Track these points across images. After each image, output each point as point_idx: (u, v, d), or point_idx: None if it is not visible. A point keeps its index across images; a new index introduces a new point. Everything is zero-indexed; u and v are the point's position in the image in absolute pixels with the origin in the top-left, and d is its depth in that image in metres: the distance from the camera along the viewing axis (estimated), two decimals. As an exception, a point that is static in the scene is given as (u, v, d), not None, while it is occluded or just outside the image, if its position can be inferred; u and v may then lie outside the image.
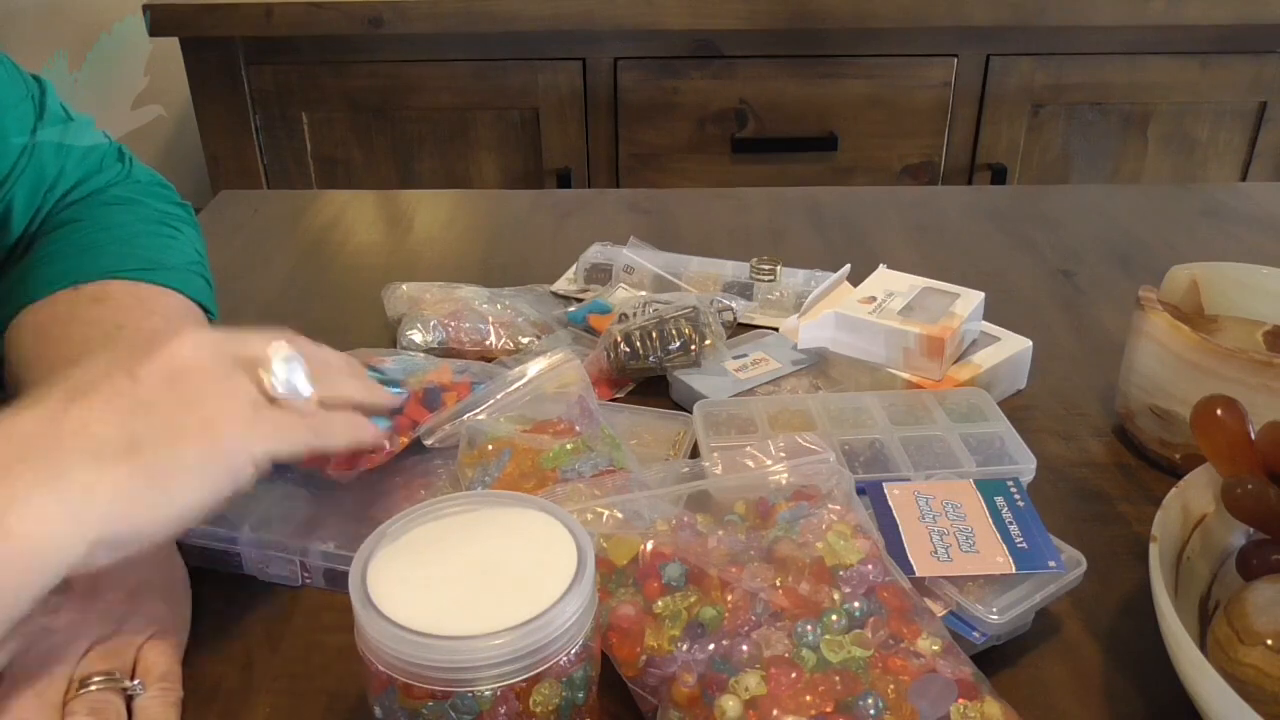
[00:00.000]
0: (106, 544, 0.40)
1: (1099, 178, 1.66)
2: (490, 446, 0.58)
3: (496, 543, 0.41)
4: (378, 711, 0.39)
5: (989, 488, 0.54)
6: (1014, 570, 0.49)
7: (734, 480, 0.53)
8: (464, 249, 0.98)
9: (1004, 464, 0.59)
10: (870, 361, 0.70)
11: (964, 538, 0.50)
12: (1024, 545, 0.50)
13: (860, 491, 0.55)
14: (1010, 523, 0.51)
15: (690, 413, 0.67)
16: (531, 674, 0.37)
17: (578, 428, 0.59)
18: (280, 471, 0.60)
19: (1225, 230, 1.00)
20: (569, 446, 0.56)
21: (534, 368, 0.63)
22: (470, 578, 0.39)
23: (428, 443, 0.60)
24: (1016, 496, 0.53)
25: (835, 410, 0.63)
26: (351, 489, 0.57)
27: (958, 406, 0.64)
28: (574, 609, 0.38)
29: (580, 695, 0.40)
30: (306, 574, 0.55)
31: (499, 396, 0.61)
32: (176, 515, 0.41)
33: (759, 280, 0.83)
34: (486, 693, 0.37)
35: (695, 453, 0.63)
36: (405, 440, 0.59)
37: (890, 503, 0.53)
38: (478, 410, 0.60)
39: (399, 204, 1.09)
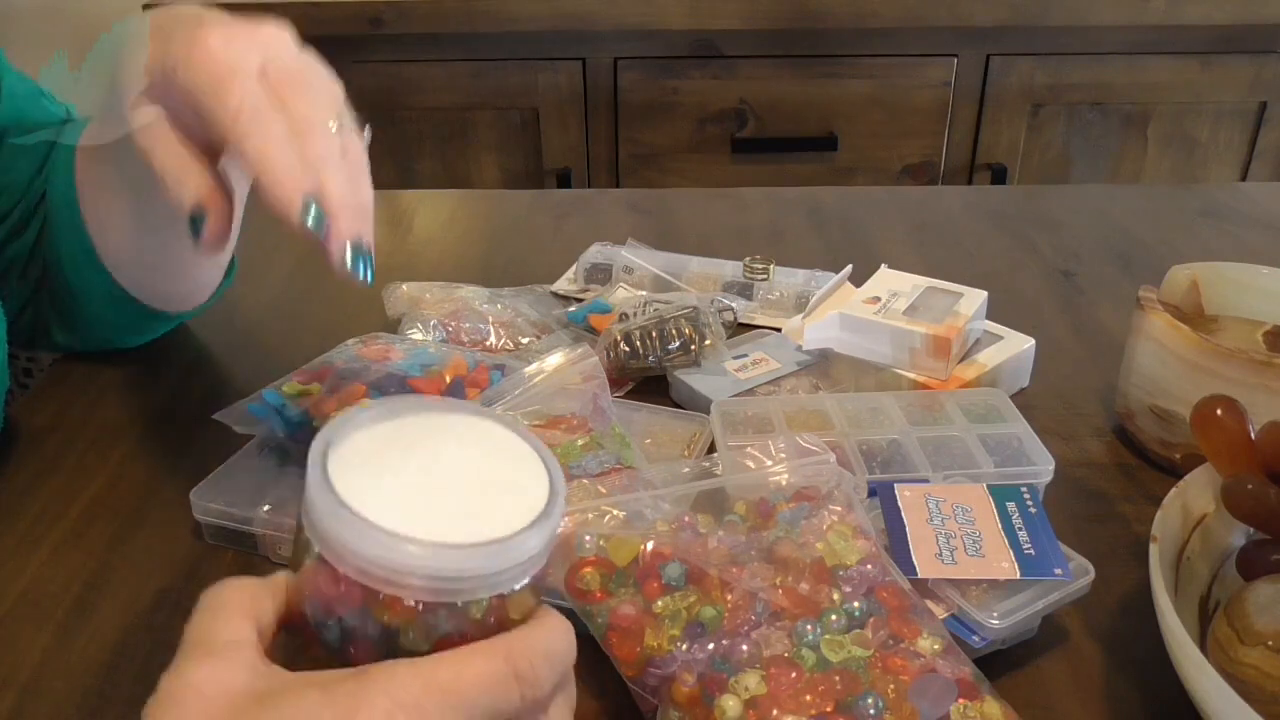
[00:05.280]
0: None
1: (1099, 178, 1.66)
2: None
3: (465, 451, 0.38)
4: (332, 632, 0.36)
5: (1002, 493, 0.53)
6: (1019, 576, 0.49)
7: (735, 480, 0.53)
8: (464, 249, 0.97)
9: (1022, 464, 0.59)
10: (875, 362, 0.70)
11: (970, 542, 0.50)
12: (1031, 552, 0.50)
13: (872, 492, 0.55)
14: (1020, 529, 0.51)
15: (697, 412, 0.67)
16: (526, 579, 0.36)
17: (590, 424, 0.59)
18: (296, 459, 0.60)
19: (1225, 230, 1.00)
20: (580, 443, 0.56)
21: (552, 361, 0.63)
22: (446, 485, 0.37)
23: None
24: (1029, 503, 0.53)
25: (852, 410, 0.63)
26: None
27: (975, 407, 0.63)
28: (559, 511, 0.37)
29: (538, 600, 0.39)
30: None
31: (518, 391, 0.61)
32: None
33: (752, 279, 0.83)
34: (484, 601, 0.35)
35: (710, 453, 0.63)
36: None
37: (900, 504, 0.53)
38: (496, 405, 0.60)
39: (399, 204, 1.09)
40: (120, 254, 0.68)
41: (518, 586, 0.36)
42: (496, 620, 0.36)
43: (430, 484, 0.37)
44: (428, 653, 0.35)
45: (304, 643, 0.37)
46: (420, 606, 0.34)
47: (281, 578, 0.37)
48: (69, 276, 0.70)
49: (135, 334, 0.76)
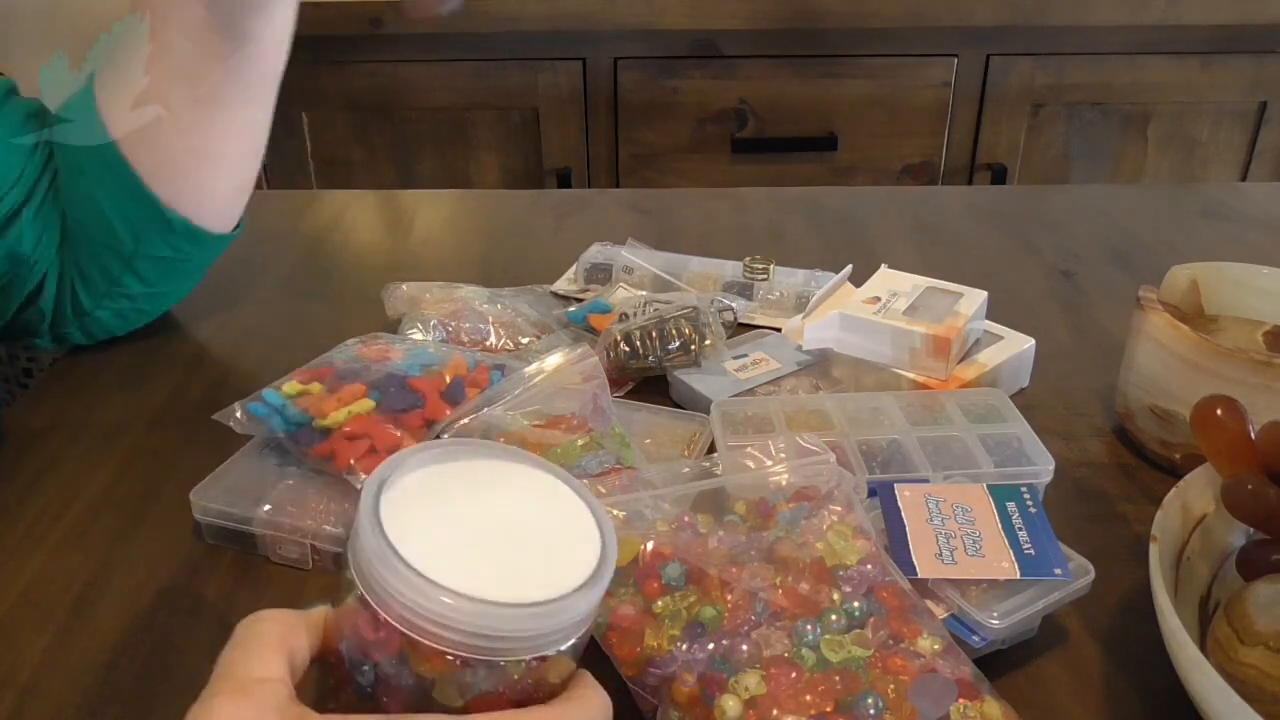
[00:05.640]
0: None
1: (1099, 178, 1.66)
2: (502, 440, 0.58)
3: (517, 504, 0.38)
4: (366, 676, 0.36)
5: (1002, 493, 0.53)
6: (1019, 576, 0.49)
7: (735, 480, 0.53)
8: (464, 249, 0.98)
9: (1021, 465, 0.59)
10: (875, 362, 0.70)
11: (970, 541, 0.50)
12: (1031, 552, 0.50)
13: (872, 492, 0.55)
14: (1020, 529, 0.51)
15: (697, 412, 0.67)
16: (569, 642, 0.36)
17: (590, 424, 0.59)
18: (296, 459, 0.60)
19: (1225, 230, 1.00)
20: (580, 443, 0.56)
21: (552, 361, 0.63)
22: (497, 540, 0.36)
23: (445, 437, 0.60)
24: (1029, 503, 0.53)
25: (852, 410, 0.63)
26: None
27: (975, 407, 0.63)
28: (609, 576, 0.36)
29: (577, 661, 0.39)
30: (317, 556, 0.56)
31: (518, 391, 0.61)
32: None
33: (752, 279, 0.83)
34: (524, 662, 0.35)
35: (710, 453, 0.63)
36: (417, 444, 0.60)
37: (900, 504, 0.53)
38: (496, 405, 0.60)
39: (399, 204, 1.09)
40: (155, 145, 0.71)
41: (560, 649, 0.35)
42: (534, 681, 0.36)
43: (482, 535, 0.36)
44: (460, 709, 0.34)
45: (337, 682, 0.36)
46: (459, 661, 0.34)
47: (321, 611, 0.37)
48: (101, 201, 0.71)
49: (173, 275, 0.77)
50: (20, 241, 0.71)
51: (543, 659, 0.35)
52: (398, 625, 0.33)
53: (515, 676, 0.35)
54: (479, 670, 0.34)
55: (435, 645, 0.33)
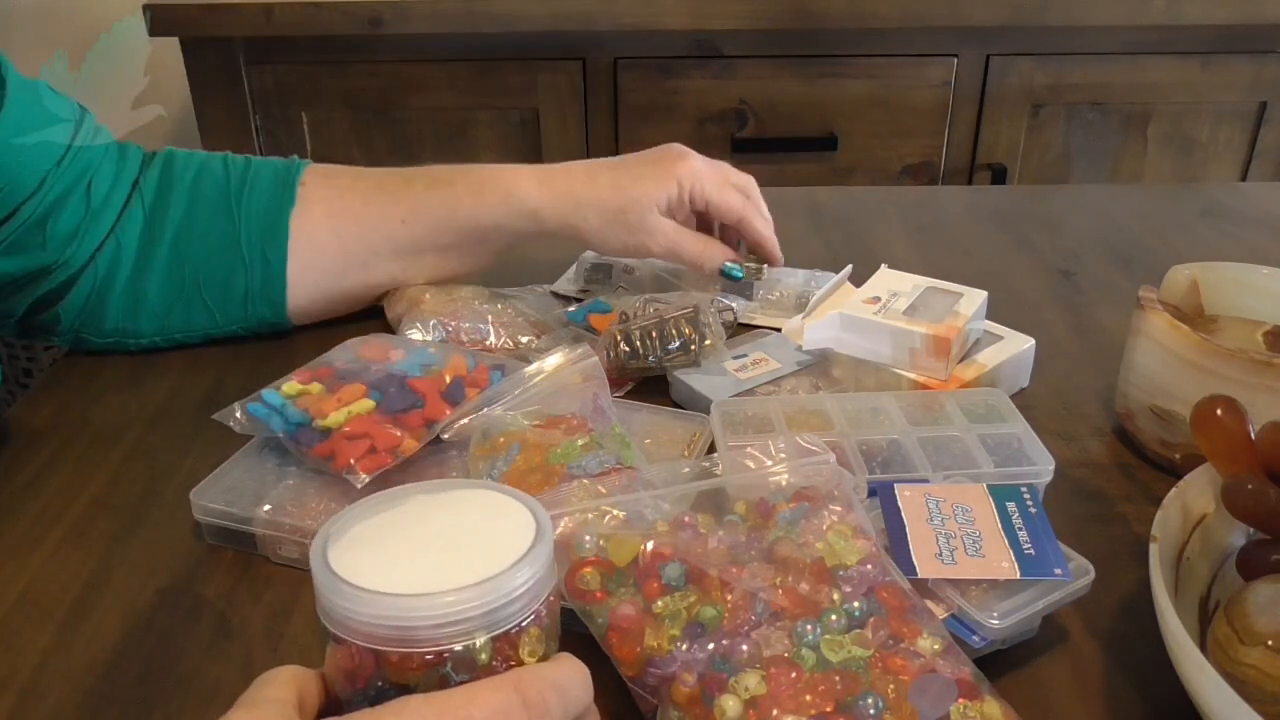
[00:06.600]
0: None
1: (1099, 178, 1.66)
2: (502, 439, 0.58)
3: (452, 518, 0.41)
4: (359, 708, 0.38)
5: (1002, 493, 0.53)
6: (1019, 576, 0.49)
7: (735, 480, 0.53)
8: (464, 249, 0.97)
9: (1022, 465, 0.59)
10: (875, 362, 0.70)
11: (970, 542, 0.50)
12: (1031, 552, 0.50)
13: (872, 492, 0.55)
14: (1020, 529, 0.51)
15: (697, 412, 0.67)
16: (528, 617, 0.38)
17: (590, 424, 0.59)
18: (296, 460, 0.60)
19: (1225, 230, 1.00)
20: (580, 443, 0.56)
21: (552, 361, 0.63)
22: (437, 548, 0.39)
23: (445, 437, 0.60)
24: (1029, 503, 0.53)
25: (852, 410, 0.63)
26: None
27: (975, 407, 0.63)
28: (548, 552, 0.39)
29: (554, 643, 0.40)
30: None
31: (518, 391, 0.61)
32: None
33: (748, 279, 0.83)
34: (490, 641, 0.37)
35: (710, 453, 0.63)
36: (417, 444, 0.60)
37: (900, 504, 0.53)
38: (496, 405, 0.60)
39: (399, 204, 1.08)
40: (322, 279, 0.79)
41: (519, 625, 0.37)
42: (508, 667, 0.38)
43: (423, 551, 0.39)
44: None
45: None
46: (429, 658, 0.36)
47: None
48: (237, 284, 0.76)
49: (228, 337, 0.80)
50: (44, 249, 0.71)
51: (508, 638, 0.37)
52: (364, 644, 0.36)
53: (485, 659, 0.37)
54: (449, 662, 0.36)
55: (401, 650, 0.36)
